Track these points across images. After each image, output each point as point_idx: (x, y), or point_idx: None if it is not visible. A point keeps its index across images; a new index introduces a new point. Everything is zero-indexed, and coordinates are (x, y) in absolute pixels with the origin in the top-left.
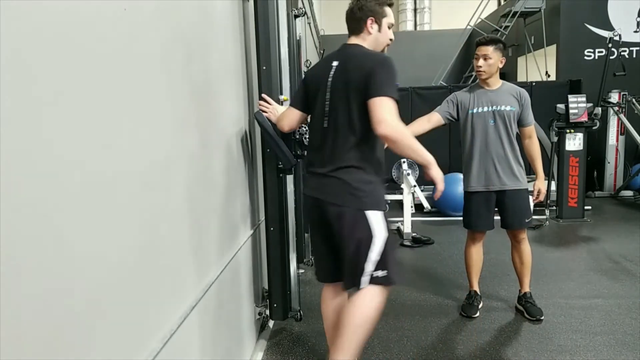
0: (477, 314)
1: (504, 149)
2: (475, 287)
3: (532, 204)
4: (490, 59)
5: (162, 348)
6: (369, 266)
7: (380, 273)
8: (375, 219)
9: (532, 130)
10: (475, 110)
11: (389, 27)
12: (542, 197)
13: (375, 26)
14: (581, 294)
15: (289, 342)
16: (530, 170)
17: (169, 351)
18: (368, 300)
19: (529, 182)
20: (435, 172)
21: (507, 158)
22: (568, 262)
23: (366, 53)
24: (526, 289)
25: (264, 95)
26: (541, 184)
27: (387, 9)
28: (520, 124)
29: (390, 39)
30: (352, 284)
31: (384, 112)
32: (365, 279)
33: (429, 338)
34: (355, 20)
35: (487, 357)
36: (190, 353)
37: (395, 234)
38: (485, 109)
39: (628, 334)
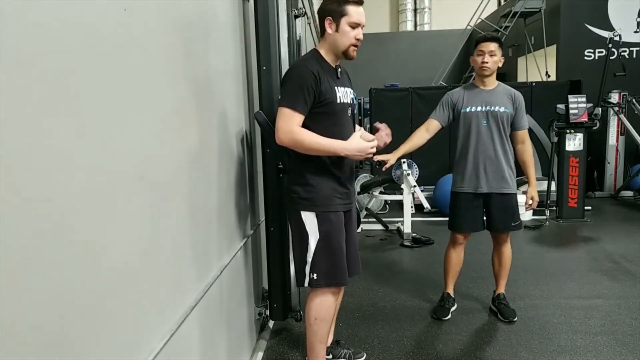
0: (449, 317)
1: (496, 150)
2: (450, 290)
3: (526, 211)
4: (495, 55)
5: (162, 348)
6: (307, 267)
7: (314, 275)
8: (308, 220)
9: (526, 135)
10: (468, 110)
11: (353, 27)
12: (534, 205)
13: (333, 26)
14: (581, 294)
15: (289, 342)
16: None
17: (169, 351)
18: (311, 302)
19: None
20: (354, 147)
21: (498, 160)
22: (568, 263)
23: (294, 62)
24: (501, 290)
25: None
26: (534, 191)
27: (350, 8)
28: (513, 127)
29: (357, 39)
30: (299, 283)
31: (278, 121)
32: (306, 280)
33: (429, 338)
34: (320, 22)
35: (487, 357)
36: (190, 353)
37: (388, 235)
38: (479, 108)
39: (628, 334)
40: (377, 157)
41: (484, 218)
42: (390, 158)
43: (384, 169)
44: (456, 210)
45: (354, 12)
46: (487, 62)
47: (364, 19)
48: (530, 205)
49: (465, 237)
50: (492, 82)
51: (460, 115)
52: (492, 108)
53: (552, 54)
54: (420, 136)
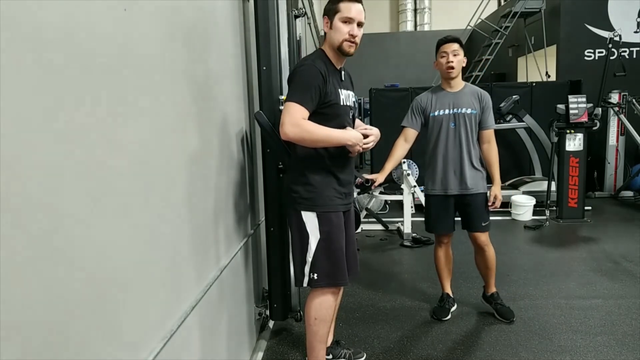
0: (449, 317)
1: (463, 152)
2: (447, 290)
3: (491, 210)
4: (459, 55)
5: (162, 348)
6: (307, 267)
7: (314, 276)
8: (309, 220)
9: (491, 135)
10: (436, 113)
11: (345, 22)
12: (498, 204)
13: (329, 24)
14: (581, 294)
15: (289, 342)
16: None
17: (169, 351)
18: (311, 302)
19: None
20: (356, 135)
21: (466, 162)
22: (568, 263)
23: (302, 59)
24: (492, 289)
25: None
26: (497, 190)
27: (342, 5)
28: (480, 126)
29: (351, 34)
30: (298, 283)
31: (284, 115)
32: (305, 279)
33: (428, 338)
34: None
35: (487, 357)
36: (190, 353)
37: (388, 235)
38: (446, 111)
39: (628, 334)
40: (367, 176)
41: (455, 219)
42: (378, 177)
43: (372, 187)
44: (429, 212)
45: (345, 8)
46: (452, 62)
47: (361, 16)
48: (494, 204)
49: (447, 236)
50: (459, 84)
51: (428, 119)
52: (459, 110)
53: (552, 54)
54: (402, 147)
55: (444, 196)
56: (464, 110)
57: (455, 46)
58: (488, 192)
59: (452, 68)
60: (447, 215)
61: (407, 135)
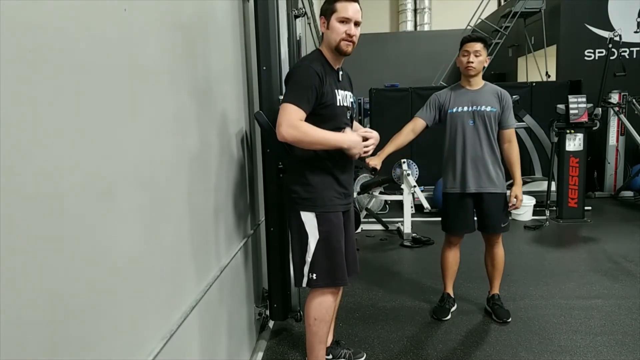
0: (449, 317)
1: (483, 150)
2: (450, 290)
3: (510, 210)
4: (481, 55)
5: (162, 348)
6: (306, 268)
7: (313, 276)
8: (308, 220)
9: (512, 134)
10: (454, 110)
11: (342, 22)
12: (519, 205)
13: (326, 24)
14: (581, 294)
15: (289, 342)
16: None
17: (169, 351)
18: (310, 302)
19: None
20: (355, 139)
21: (486, 160)
22: (568, 263)
23: (298, 60)
24: (496, 290)
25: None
26: (518, 190)
27: (338, 4)
28: (500, 126)
29: (348, 34)
30: (298, 283)
31: (280, 116)
32: (304, 280)
33: (428, 338)
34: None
35: (487, 357)
36: (190, 353)
37: (387, 236)
38: (465, 108)
39: (628, 334)
40: (370, 162)
41: (475, 219)
42: (377, 162)
43: (373, 174)
44: (447, 211)
45: (342, 8)
46: (472, 62)
47: (357, 15)
48: (514, 204)
49: (459, 238)
50: (479, 82)
51: (447, 116)
52: (479, 108)
53: (552, 54)
54: (406, 136)
55: (461, 194)
56: (483, 108)
57: (478, 46)
58: (508, 192)
59: (473, 68)
60: (465, 214)
61: (416, 124)
